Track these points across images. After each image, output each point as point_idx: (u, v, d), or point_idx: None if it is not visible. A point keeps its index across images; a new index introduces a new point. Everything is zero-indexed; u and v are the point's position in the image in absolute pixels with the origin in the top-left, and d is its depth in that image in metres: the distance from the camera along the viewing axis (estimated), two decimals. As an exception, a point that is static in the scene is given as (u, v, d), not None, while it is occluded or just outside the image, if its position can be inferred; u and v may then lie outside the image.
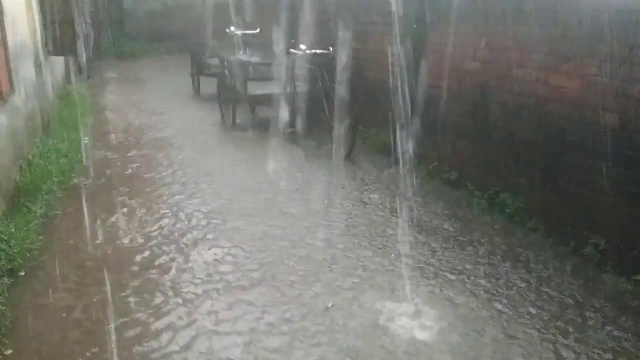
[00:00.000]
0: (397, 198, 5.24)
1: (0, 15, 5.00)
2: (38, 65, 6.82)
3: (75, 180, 5.74)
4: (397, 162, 6.18)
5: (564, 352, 3.04)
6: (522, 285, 3.69)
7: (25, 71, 6.05)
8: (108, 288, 3.63)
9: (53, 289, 3.64)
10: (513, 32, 4.58)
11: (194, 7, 16.79)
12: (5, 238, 3.88)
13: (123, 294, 3.62)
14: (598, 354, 3.02)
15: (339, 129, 6.77)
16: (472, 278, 3.78)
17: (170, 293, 3.65)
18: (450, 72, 5.44)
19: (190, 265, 4.02)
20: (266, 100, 7.83)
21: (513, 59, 4.60)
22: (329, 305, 3.48)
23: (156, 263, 4.05)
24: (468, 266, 3.95)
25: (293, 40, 7.53)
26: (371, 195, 5.35)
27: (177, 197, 5.31)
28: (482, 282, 3.74)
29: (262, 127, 7.89)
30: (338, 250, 4.23)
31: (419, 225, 4.63)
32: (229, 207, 5.06)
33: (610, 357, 3.00)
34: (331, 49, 6.91)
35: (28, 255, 4.00)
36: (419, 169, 5.85)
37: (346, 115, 6.61)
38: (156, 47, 16.26)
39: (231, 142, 7.29)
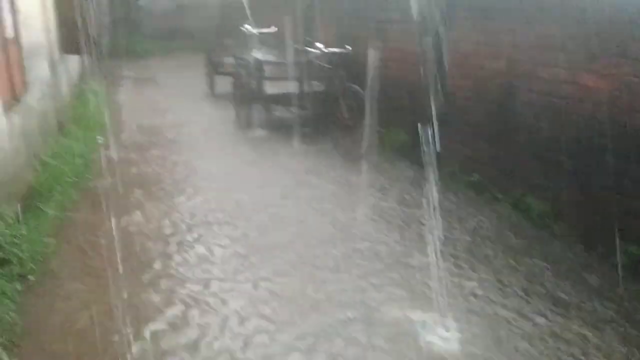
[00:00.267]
0: (417, 202, 5.08)
1: (14, 14, 4.92)
2: (53, 65, 6.76)
3: (90, 181, 5.66)
4: (416, 164, 6.03)
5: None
6: (553, 299, 3.53)
7: (40, 70, 5.99)
8: (120, 298, 3.52)
9: (64, 296, 3.54)
10: (539, 29, 4.41)
11: (209, 6, 16.77)
12: (17, 242, 3.79)
13: (135, 304, 3.51)
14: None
15: (356, 129, 6.64)
16: (497, 287, 3.63)
17: (184, 299, 3.54)
18: (472, 71, 5.28)
19: (216, 276, 3.91)
20: (282, 99, 7.71)
21: (539, 58, 4.42)
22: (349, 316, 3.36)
23: (172, 272, 3.94)
24: (490, 275, 3.79)
25: (310, 39, 7.41)
26: (390, 199, 5.20)
27: (193, 201, 5.18)
28: (509, 290, 3.58)
29: (278, 127, 7.77)
30: (357, 260, 4.10)
31: (441, 231, 4.47)
32: (242, 213, 4.95)
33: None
34: (348, 47, 6.77)
35: (39, 259, 3.91)
36: (439, 170, 5.67)
37: (363, 115, 6.47)
38: (171, 46, 16.24)
39: (245, 143, 7.18)
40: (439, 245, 4.08)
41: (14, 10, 4.90)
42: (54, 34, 7.09)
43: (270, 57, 8.19)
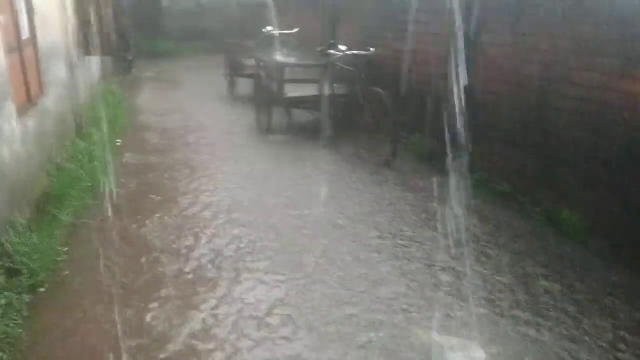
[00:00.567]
0: (444, 212, 4.84)
1: (31, 14, 4.81)
2: (71, 66, 6.66)
3: (107, 186, 5.53)
4: (442, 171, 5.80)
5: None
6: (594, 327, 3.29)
7: (57, 72, 5.89)
8: (134, 312, 3.36)
9: (75, 311, 3.39)
10: (576, 33, 4.16)
11: (230, 7, 16.68)
12: (28, 251, 3.65)
13: (151, 321, 3.35)
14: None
15: (380, 135, 6.43)
16: (532, 308, 3.40)
17: (209, 319, 3.37)
18: (503, 76, 5.04)
19: (238, 288, 3.74)
20: (303, 103, 7.54)
21: (576, 63, 4.17)
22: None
23: (194, 289, 3.77)
24: (522, 295, 3.56)
25: (332, 41, 7.22)
26: (416, 209, 4.97)
27: (212, 210, 4.99)
28: (549, 313, 3.35)
29: (299, 131, 7.60)
30: (388, 273, 3.89)
31: (469, 246, 4.25)
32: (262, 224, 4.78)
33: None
34: (372, 49, 6.56)
35: (51, 269, 3.77)
36: (467, 179, 5.45)
37: (387, 120, 6.27)
38: (192, 47, 16.19)
39: (265, 147, 7.00)
40: (465, 265, 3.87)
41: (30, 11, 4.79)
42: (73, 35, 6.99)
43: (291, 59, 8.02)
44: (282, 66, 7.46)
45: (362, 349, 3.03)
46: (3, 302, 3.15)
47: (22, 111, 4.31)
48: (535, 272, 3.80)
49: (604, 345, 3.05)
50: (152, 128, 8.02)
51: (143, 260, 4.04)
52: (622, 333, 3.14)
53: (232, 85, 10.33)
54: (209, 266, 3.95)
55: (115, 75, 11.48)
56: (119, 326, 3.24)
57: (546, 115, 4.55)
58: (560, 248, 4.13)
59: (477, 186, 5.31)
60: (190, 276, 3.82)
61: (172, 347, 3.05)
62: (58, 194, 4.81)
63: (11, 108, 4.00)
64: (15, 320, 3.14)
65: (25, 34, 4.66)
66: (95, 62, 9.23)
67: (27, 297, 3.38)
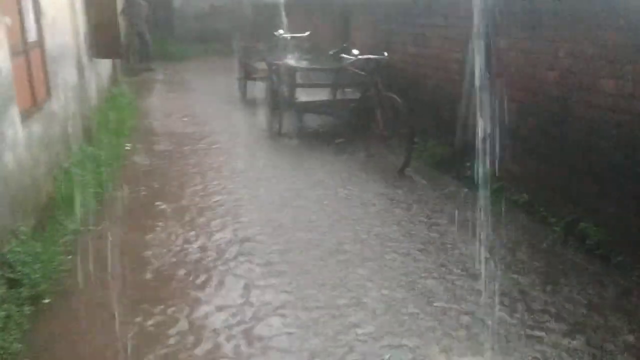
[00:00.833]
0: (460, 223, 4.68)
1: (38, 15, 4.72)
2: (80, 68, 6.58)
3: (114, 192, 5.42)
4: (457, 180, 5.65)
5: None
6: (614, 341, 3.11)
7: (66, 75, 5.80)
8: (138, 326, 3.24)
9: (77, 323, 3.27)
10: (600, 38, 3.98)
11: (242, 9, 16.61)
12: (30, 260, 3.54)
13: (155, 329, 3.22)
14: None
15: (393, 141, 6.28)
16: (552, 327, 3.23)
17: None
18: (522, 82, 4.87)
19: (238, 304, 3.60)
20: (315, 107, 7.40)
21: (600, 70, 4.00)
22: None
23: (189, 299, 3.64)
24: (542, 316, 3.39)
25: (345, 45, 7.08)
26: (432, 220, 4.78)
27: (222, 219, 4.84)
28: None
29: (310, 136, 7.46)
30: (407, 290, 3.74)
31: (482, 264, 4.08)
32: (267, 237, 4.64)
33: None
34: (385, 54, 6.41)
35: (54, 278, 3.66)
36: (483, 188, 5.28)
37: (401, 126, 6.11)
38: (203, 49, 16.15)
39: (276, 153, 6.86)
40: (480, 283, 3.71)
41: (37, 12, 4.69)
42: (83, 37, 6.91)
43: (303, 63, 7.89)
44: (293, 70, 7.34)
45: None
46: (2, 314, 3.03)
47: (27, 115, 4.20)
48: (544, 287, 3.63)
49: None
50: (161, 132, 7.92)
51: (148, 271, 3.91)
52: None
53: (243, 88, 10.23)
54: (216, 275, 3.82)
55: (125, 77, 11.43)
56: (124, 341, 3.12)
57: (568, 123, 4.38)
58: (579, 263, 3.94)
59: (494, 196, 5.13)
60: (198, 281, 3.70)
61: (176, 365, 2.92)
62: (64, 200, 4.70)
63: (15, 112, 3.89)
64: (15, 334, 3.01)
65: (32, 36, 4.56)
66: (105, 64, 9.17)
67: (28, 309, 3.26)
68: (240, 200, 5.23)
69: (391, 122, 6.17)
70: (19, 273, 3.40)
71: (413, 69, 6.87)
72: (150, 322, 3.27)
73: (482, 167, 5.50)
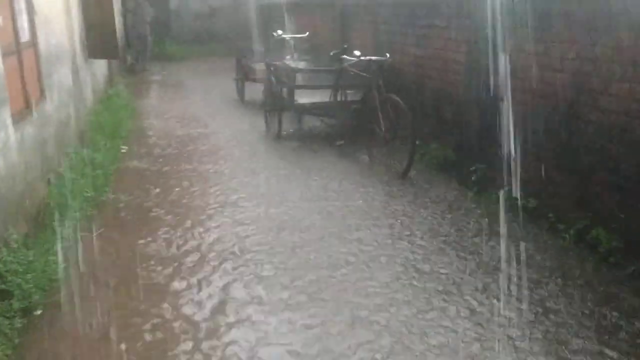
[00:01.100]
0: (462, 229, 4.55)
1: (31, 15, 4.57)
2: (75, 69, 6.43)
3: (110, 196, 5.28)
4: (461, 183, 5.51)
5: None
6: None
7: (60, 76, 5.66)
8: (132, 337, 3.09)
9: (70, 336, 3.13)
10: (614, 38, 3.86)
11: (240, 10, 16.50)
12: (21, 270, 3.39)
13: (150, 342, 3.08)
14: None
15: (395, 143, 6.14)
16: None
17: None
18: (529, 85, 4.74)
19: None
20: (315, 109, 7.27)
21: (613, 72, 3.87)
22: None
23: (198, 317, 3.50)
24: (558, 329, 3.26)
25: (346, 46, 6.94)
26: (440, 228, 4.63)
27: (219, 224, 4.71)
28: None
29: (310, 138, 7.33)
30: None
31: (488, 275, 3.96)
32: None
33: None
34: (387, 55, 6.28)
35: (46, 289, 3.51)
36: (488, 192, 5.16)
37: (403, 128, 5.98)
38: (201, 50, 16.02)
39: (275, 156, 6.72)
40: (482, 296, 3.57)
41: (31, 12, 4.54)
42: (78, 37, 6.76)
43: (303, 64, 7.76)
44: (293, 71, 7.20)
45: None
46: (-8, 328, 2.90)
47: (19, 118, 4.06)
48: (557, 297, 3.50)
49: None
50: (158, 134, 7.78)
51: (144, 282, 3.76)
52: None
53: (241, 89, 10.09)
54: (216, 286, 3.68)
55: (122, 78, 11.28)
56: (118, 353, 2.98)
57: (578, 127, 4.25)
58: (593, 272, 3.81)
59: (498, 200, 4.99)
60: (192, 294, 3.56)
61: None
62: (58, 205, 4.56)
63: (7, 115, 3.75)
64: (4, 348, 2.87)
65: (25, 36, 4.42)
66: (101, 65, 9.02)
67: (18, 322, 3.12)
68: (239, 207, 5.09)
69: (393, 124, 6.04)
70: (10, 283, 3.26)
71: (414, 70, 6.74)
72: (140, 344, 3.11)
73: (485, 171, 5.39)
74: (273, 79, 7.59)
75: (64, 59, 5.91)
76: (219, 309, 3.40)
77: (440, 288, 3.61)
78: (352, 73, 6.54)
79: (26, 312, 3.25)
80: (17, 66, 4.16)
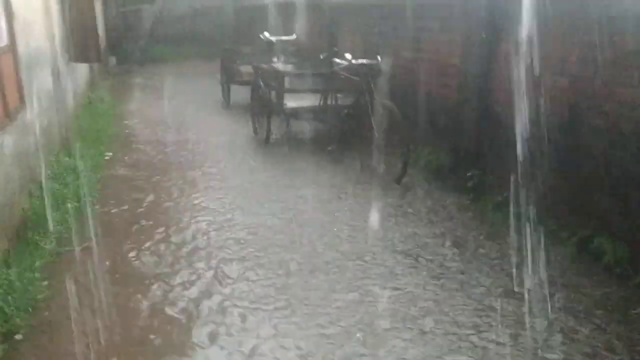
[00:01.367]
0: (457, 236, 4.43)
1: (9, 19, 4.35)
2: (57, 74, 6.20)
3: (95, 206, 5.06)
4: (457, 190, 5.38)
5: None
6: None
7: (41, 81, 5.43)
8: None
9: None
10: (617, 42, 3.75)
11: (224, 12, 16.28)
12: (1, 291, 3.18)
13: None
14: None
15: (388, 149, 6.00)
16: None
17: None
18: (527, 89, 4.62)
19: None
20: (304, 114, 7.10)
21: (617, 76, 3.76)
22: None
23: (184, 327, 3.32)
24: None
25: (336, 49, 6.80)
26: (432, 235, 4.52)
27: (206, 237, 4.53)
28: None
29: (299, 143, 7.16)
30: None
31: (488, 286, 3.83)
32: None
33: None
34: (379, 58, 6.14)
35: (29, 309, 3.30)
36: (485, 199, 5.05)
37: (396, 133, 5.84)
38: (185, 52, 15.78)
39: (264, 161, 6.56)
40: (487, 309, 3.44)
41: (9, 15, 4.32)
42: (59, 41, 6.53)
43: (292, 68, 7.59)
44: (282, 75, 7.03)
45: None
46: (-31, 356, 2.69)
47: (-2, 127, 3.84)
48: (564, 307, 3.38)
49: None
50: (143, 139, 7.56)
51: (131, 298, 3.57)
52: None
53: (227, 92, 9.90)
54: (203, 304, 3.50)
55: (104, 82, 11.01)
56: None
57: (579, 132, 4.15)
58: (599, 282, 3.70)
59: (496, 207, 4.89)
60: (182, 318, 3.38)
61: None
62: (40, 217, 4.35)
63: (-16, 125, 3.53)
64: (-18, 379, 2.68)
65: (3, 40, 4.20)
66: (83, 69, 8.77)
67: (-2, 348, 2.92)
68: (226, 215, 4.91)
69: (386, 129, 5.90)
70: (-10, 306, 3.06)
71: (406, 74, 6.61)
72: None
73: (481, 177, 5.27)
74: (261, 82, 7.41)
75: (45, 63, 5.68)
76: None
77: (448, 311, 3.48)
78: (343, 77, 6.39)
79: (6, 336, 3.04)
80: (-6, 73, 3.94)
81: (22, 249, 3.89)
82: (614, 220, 3.88)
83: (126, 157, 6.64)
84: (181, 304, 3.48)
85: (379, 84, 6.11)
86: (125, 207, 5.11)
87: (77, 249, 4.20)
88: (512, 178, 4.88)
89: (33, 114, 4.94)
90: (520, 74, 4.71)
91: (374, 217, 4.87)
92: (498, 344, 3.06)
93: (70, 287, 3.66)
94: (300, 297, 3.53)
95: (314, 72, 7.15)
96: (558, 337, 3.11)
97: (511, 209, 4.74)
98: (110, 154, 6.67)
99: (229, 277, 3.80)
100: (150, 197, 5.35)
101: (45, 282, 3.65)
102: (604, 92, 3.89)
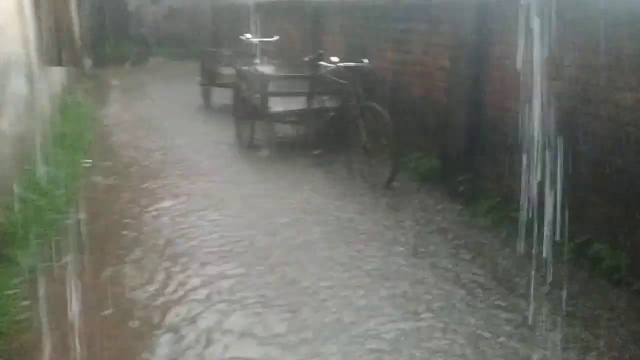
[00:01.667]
0: (458, 247, 4.33)
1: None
2: (31, 79, 5.95)
3: (74, 217, 4.85)
4: (448, 194, 5.29)
5: None
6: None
7: (15, 87, 5.19)
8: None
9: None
10: (616, 44, 3.68)
11: (202, 12, 16.03)
12: (-25, 313, 3.00)
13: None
14: None
15: (376, 153, 5.88)
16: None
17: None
18: (521, 92, 4.53)
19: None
20: (289, 117, 6.96)
21: (616, 80, 3.70)
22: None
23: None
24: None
25: (321, 51, 6.66)
26: (429, 247, 4.38)
27: (189, 245, 4.37)
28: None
29: (284, 148, 7.01)
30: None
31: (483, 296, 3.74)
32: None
33: None
34: (366, 60, 6.03)
35: (8, 333, 3.11)
36: (478, 204, 4.96)
37: (384, 137, 5.73)
38: (162, 53, 15.52)
39: (248, 167, 6.40)
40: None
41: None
42: (33, 44, 6.28)
43: (274, 70, 7.45)
44: (266, 78, 6.87)
45: None
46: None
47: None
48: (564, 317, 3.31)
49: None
50: (122, 145, 7.35)
51: (115, 312, 3.40)
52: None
53: (207, 95, 9.71)
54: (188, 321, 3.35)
55: (80, 86, 10.72)
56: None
57: (575, 137, 4.07)
58: (598, 290, 3.63)
59: (490, 212, 4.81)
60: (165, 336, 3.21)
61: None
62: (16, 231, 4.13)
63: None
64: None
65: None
66: (58, 72, 8.49)
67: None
68: (209, 227, 4.75)
69: (374, 133, 5.78)
70: (-35, 333, 2.86)
71: (393, 76, 6.50)
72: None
73: (473, 181, 5.19)
74: (244, 85, 7.24)
75: (19, 68, 5.44)
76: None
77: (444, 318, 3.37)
78: (329, 80, 6.27)
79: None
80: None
81: (-1, 267, 3.69)
82: (613, 227, 3.82)
83: (106, 165, 6.43)
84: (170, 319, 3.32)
85: (367, 87, 6.01)
86: (107, 218, 4.92)
87: (58, 264, 3.99)
88: (505, 183, 4.82)
89: (7, 123, 4.71)
90: (512, 77, 4.63)
91: (355, 216, 4.79)
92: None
93: (50, 305, 3.47)
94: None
95: (299, 74, 7.02)
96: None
97: (503, 213, 4.69)
98: (90, 161, 6.44)
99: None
100: (133, 207, 5.16)
101: (26, 302, 3.45)
102: (602, 97, 3.82)
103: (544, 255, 4.08)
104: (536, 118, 4.42)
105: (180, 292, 3.66)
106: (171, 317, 3.37)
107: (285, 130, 7.34)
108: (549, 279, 3.74)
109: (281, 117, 6.94)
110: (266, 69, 7.36)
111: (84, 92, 10.09)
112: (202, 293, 3.64)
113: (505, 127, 4.75)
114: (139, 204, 5.23)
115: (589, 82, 3.91)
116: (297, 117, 6.87)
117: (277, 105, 6.79)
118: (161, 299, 3.56)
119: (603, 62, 3.78)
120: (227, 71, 8.84)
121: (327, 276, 3.84)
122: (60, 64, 7.84)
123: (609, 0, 3.75)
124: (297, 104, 6.74)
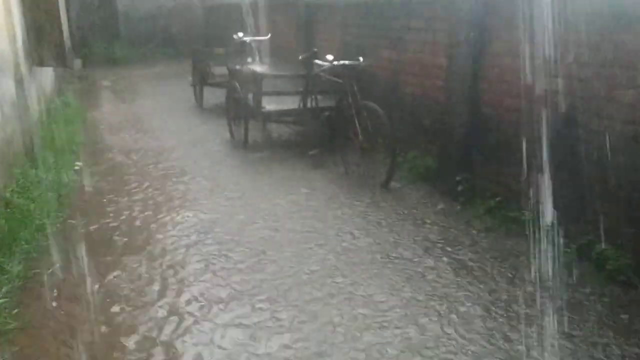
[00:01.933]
0: (447, 242, 4.26)
1: (-33, 23, 4.00)
2: (19, 80, 5.80)
3: (65, 222, 4.73)
4: (446, 194, 5.21)
5: None
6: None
7: (2, 88, 5.06)
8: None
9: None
10: (619, 41, 3.61)
11: (193, 11, 15.88)
12: (-37, 324, 2.88)
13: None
14: None
15: (372, 153, 5.79)
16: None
17: None
18: (520, 91, 4.46)
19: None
20: (284, 117, 6.85)
21: (619, 77, 3.62)
22: None
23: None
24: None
25: (315, 50, 6.56)
26: (429, 250, 4.32)
27: (185, 253, 4.26)
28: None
29: (279, 147, 6.90)
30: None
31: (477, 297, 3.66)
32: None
33: None
34: (361, 59, 5.93)
35: (-2, 344, 3.00)
36: (476, 203, 4.89)
37: (380, 137, 5.64)
38: (153, 53, 15.35)
39: (243, 167, 6.28)
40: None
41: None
42: (21, 44, 6.13)
43: (270, 69, 7.33)
44: (260, 77, 6.75)
45: None
46: None
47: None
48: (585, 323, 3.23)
49: None
50: (114, 147, 7.21)
51: (104, 326, 3.29)
52: None
53: (200, 94, 9.58)
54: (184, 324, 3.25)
55: (70, 86, 10.55)
56: None
57: (575, 136, 4.00)
58: (603, 292, 3.56)
59: (489, 213, 4.74)
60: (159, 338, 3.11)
61: None
62: (5, 237, 4.02)
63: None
64: None
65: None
66: (47, 73, 8.34)
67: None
68: (203, 231, 4.64)
69: (370, 132, 5.69)
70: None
71: (389, 75, 6.42)
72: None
73: (471, 180, 5.11)
74: (237, 84, 7.13)
75: (6, 69, 5.31)
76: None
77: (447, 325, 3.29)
78: (324, 79, 6.17)
79: (-28, 377, 2.74)
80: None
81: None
82: (616, 228, 3.75)
83: (97, 167, 6.30)
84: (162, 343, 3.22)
85: (363, 86, 5.91)
86: (97, 221, 4.79)
87: (48, 271, 3.88)
88: (505, 182, 4.74)
89: (-5, 125, 4.59)
90: (511, 75, 4.55)
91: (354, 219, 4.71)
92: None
93: (41, 314, 3.37)
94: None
95: (293, 73, 6.91)
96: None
97: (503, 213, 4.61)
98: (80, 163, 6.30)
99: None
100: (125, 211, 5.04)
101: (16, 310, 3.34)
102: (603, 95, 3.74)
103: (545, 256, 4.02)
104: (535, 116, 4.35)
105: (180, 292, 3.56)
106: None
107: (281, 130, 7.23)
108: (553, 280, 3.66)
109: (275, 117, 6.83)
110: (259, 68, 7.24)
111: (74, 93, 9.92)
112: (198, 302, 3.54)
113: (504, 125, 4.67)
114: (131, 208, 5.10)
115: (589, 79, 3.83)
116: (291, 116, 6.77)
117: (271, 104, 6.69)
118: (155, 312, 3.45)
119: (603, 59, 3.70)
120: (220, 70, 8.72)
121: (327, 281, 3.75)
122: (49, 64, 7.68)
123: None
124: (291, 103, 6.64)
